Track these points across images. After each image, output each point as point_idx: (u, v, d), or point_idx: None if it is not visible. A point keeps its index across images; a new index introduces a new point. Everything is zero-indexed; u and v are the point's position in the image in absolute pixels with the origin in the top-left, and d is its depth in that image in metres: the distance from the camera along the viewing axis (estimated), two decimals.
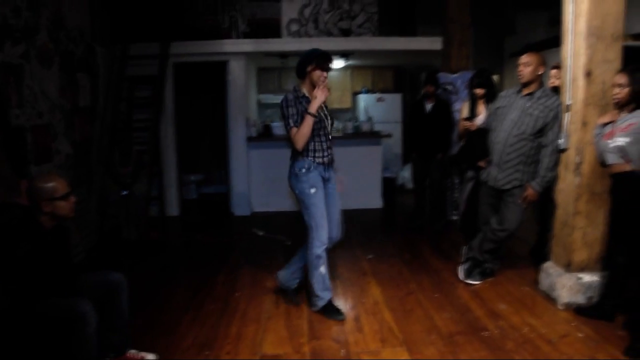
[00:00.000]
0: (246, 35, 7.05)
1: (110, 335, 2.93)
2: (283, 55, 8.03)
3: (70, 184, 2.79)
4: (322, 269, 3.60)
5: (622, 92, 3.21)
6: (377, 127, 8.10)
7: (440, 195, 6.11)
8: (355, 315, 3.71)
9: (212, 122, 9.00)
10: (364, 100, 9.65)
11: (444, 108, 5.80)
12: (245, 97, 7.26)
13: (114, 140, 6.06)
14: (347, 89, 10.17)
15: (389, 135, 7.74)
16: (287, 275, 3.96)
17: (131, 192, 5.97)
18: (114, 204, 5.92)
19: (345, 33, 7.23)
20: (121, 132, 6.25)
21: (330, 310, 3.65)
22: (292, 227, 6.32)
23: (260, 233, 6.05)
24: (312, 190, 3.53)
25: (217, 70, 7.43)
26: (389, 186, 7.70)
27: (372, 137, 7.52)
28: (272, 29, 7.10)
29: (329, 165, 3.67)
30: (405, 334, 3.36)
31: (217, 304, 3.93)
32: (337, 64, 9.06)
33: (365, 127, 7.81)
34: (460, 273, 4.34)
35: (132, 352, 3.03)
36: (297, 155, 3.59)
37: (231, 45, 7.00)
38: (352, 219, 6.70)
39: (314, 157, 3.57)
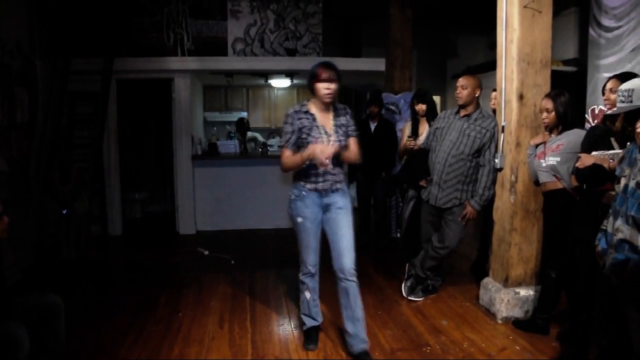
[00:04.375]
0: (192, 53, 7.02)
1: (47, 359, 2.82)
2: (229, 73, 8.03)
3: (2, 203, 2.67)
4: (307, 295, 3.45)
5: (549, 117, 3.39)
6: None
7: (384, 213, 6.21)
8: (299, 333, 3.70)
9: (157, 140, 8.86)
10: None
11: (388, 128, 5.91)
12: (190, 115, 7.20)
13: (53, 157, 5.88)
14: None
15: None
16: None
17: (71, 211, 5.79)
18: (53, 223, 5.72)
19: (291, 53, 7.31)
20: (61, 149, 6.07)
21: (306, 338, 3.52)
22: (237, 246, 6.27)
23: (205, 252, 5.97)
24: (299, 220, 3.28)
25: (162, 87, 7.35)
26: None
27: None
28: (218, 48, 7.10)
29: (328, 191, 3.27)
30: (349, 352, 3.38)
31: (159, 325, 3.84)
32: (283, 83, 9.14)
33: None
34: (404, 290, 4.41)
35: None
36: (293, 178, 3.33)
37: (176, 62, 6.95)
38: (296, 237, 6.71)
39: (305, 182, 3.25)
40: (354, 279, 3.26)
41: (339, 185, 3.31)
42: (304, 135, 3.16)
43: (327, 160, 3.01)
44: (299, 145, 3.18)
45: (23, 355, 2.43)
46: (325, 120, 3.23)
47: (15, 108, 5.18)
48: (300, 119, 3.18)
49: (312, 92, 3.22)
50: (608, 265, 2.42)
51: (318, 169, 3.17)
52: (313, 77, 3.16)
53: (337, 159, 3.23)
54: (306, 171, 3.22)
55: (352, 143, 3.36)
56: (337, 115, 3.29)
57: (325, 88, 3.13)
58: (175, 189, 7.33)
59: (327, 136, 3.19)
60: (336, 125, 3.24)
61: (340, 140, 3.22)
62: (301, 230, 3.31)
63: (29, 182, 5.45)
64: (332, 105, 3.27)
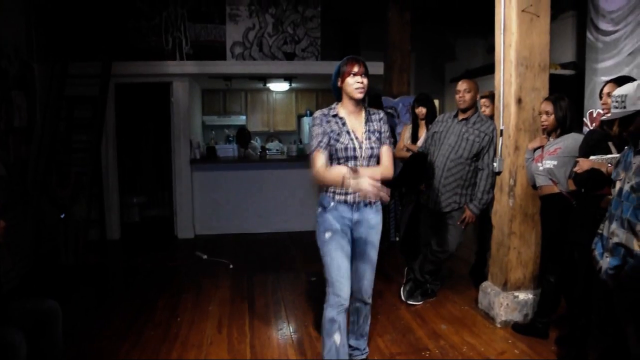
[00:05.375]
0: (190, 57, 7.03)
1: None
2: (227, 77, 8.04)
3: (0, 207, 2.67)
4: (337, 338, 2.77)
5: (548, 119, 3.40)
6: None
7: (383, 217, 6.19)
8: (299, 338, 3.70)
9: (155, 144, 8.87)
10: (308, 122, 9.72)
11: None
12: (189, 119, 7.20)
13: (51, 162, 5.87)
14: (291, 112, 10.24)
15: None
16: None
17: (69, 215, 5.79)
18: (51, 227, 5.71)
19: (289, 57, 7.32)
20: (59, 153, 6.07)
21: None
22: (236, 250, 6.26)
23: (204, 256, 5.96)
24: (327, 235, 2.81)
25: (161, 91, 7.35)
26: None
27: None
28: (216, 52, 7.10)
29: (359, 204, 2.86)
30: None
31: (157, 330, 3.83)
32: (282, 86, 9.14)
33: (309, 150, 7.86)
34: (403, 294, 4.40)
35: None
36: (320, 188, 2.91)
37: (175, 66, 6.96)
38: (296, 241, 6.72)
39: (334, 193, 2.84)
40: (370, 301, 3.05)
41: (373, 199, 2.82)
42: (332, 141, 2.80)
43: (380, 192, 2.55)
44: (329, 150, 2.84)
45: None
46: (356, 124, 2.88)
47: (13, 112, 5.18)
48: (328, 122, 2.83)
49: (338, 94, 2.90)
50: (604, 269, 2.42)
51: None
52: (341, 74, 2.83)
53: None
54: None
55: (385, 153, 2.92)
56: (369, 120, 2.92)
57: (357, 82, 2.79)
58: (173, 193, 7.33)
59: (358, 142, 2.83)
60: (368, 131, 2.88)
61: (372, 148, 2.85)
62: (331, 249, 2.80)
63: (26, 186, 5.45)
64: (364, 109, 2.94)
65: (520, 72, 3.69)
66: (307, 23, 7.36)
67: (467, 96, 3.98)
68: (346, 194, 2.81)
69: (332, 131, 2.81)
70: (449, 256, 4.19)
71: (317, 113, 2.88)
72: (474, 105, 4.05)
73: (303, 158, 7.59)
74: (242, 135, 8.02)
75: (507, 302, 3.83)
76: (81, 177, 6.05)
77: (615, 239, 2.38)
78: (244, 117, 9.96)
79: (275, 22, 7.25)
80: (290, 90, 9.67)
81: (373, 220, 2.92)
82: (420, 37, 7.79)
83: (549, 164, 3.38)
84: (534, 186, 3.62)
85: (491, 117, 4.26)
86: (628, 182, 2.35)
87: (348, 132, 2.83)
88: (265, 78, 8.50)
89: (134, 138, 8.61)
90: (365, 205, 2.87)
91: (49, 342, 2.81)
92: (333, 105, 2.92)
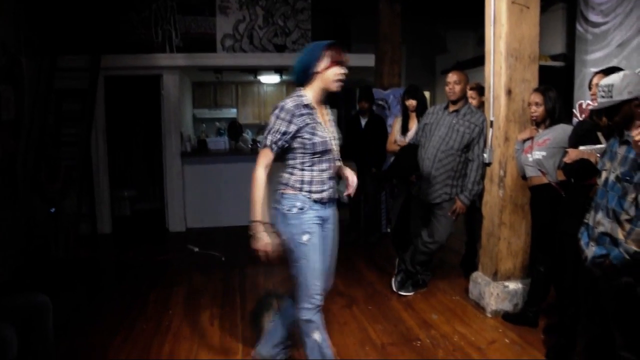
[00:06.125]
0: (180, 50, 6.99)
1: None
2: (218, 70, 8.00)
3: None
4: (317, 336, 2.66)
5: (538, 110, 3.42)
6: None
7: (375, 208, 6.23)
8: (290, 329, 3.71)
9: (146, 137, 8.82)
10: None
11: (379, 123, 5.93)
12: (179, 112, 7.18)
13: (40, 156, 5.83)
14: None
15: None
16: (268, 349, 3.01)
17: (60, 209, 5.76)
18: (41, 222, 5.68)
19: (280, 49, 7.29)
20: (49, 146, 6.03)
21: None
22: (227, 243, 6.26)
23: (195, 249, 5.96)
24: (305, 238, 2.59)
25: (151, 84, 7.31)
26: None
27: None
28: (206, 44, 7.06)
29: (329, 201, 2.72)
30: (339, 347, 3.38)
31: (149, 323, 3.83)
32: (272, 79, 9.11)
33: None
34: (394, 285, 4.42)
35: None
36: (286, 187, 2.64)
37: (165, 59, 6.92)
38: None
39: (310, 192, 2.62)
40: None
41: (334, 195, 2.76)
42: (307, 135, 2.55)
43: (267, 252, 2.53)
44: (291, 146, 2.60)
45: (11, 355, 2.42)
46: (322, 115, 2.68)
47: (0, 106, 5.13)
48: (302, 115, 2.55)
49: (307, 80, 2.60)
50: (589, 258, 2.45)
51: (324, 174, 2.65)
52: (323, 58, 2.55)
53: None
54: (313, 175, 2.62)
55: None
56: (326, 108, 2.73)
57: (339, 74, 2.58)
58: (164, 186, 7.31)
59: (330, 135, 2.66)
60: (330, 121, 2.73)
61: (338, 140, 2.73)
62: (307, 252, 2.61)
63: (15, 181, 5.41)
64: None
65: (510, 63, 3.70)
66: (298, 15, 7.34)
67: (457, 88, 4.00)
68: (322, 192, 2.64)
69: (307, 124, 2.55)
70: (440, 247, 4.22)
71: (290, 104, 2.54)
72: (464, 97, 4.06)
73: None
74: (234, 128, 8.01)
75: (497, 292, 3.86)
76: (71, 170, 6.02)
77: (600, 229, 2.41)
78: (234, 110, 9.93)
79: (266, 14, 7.22)
80: (281, 82, 9.63)
81: (336, 216, 2.81)
82: (411, 29, 7.78)
83: (538, 154, 3.40)
84: (524, 177, 3.64)
85: (478, 108, 4.29)
86: (613, 172, 2.38)
87: (321, 124, 2.62)
88: (256, 70, 8.48)
89: (124, 131, 8.56)
90: (332, 202, 2.75)
91: (40, 337, 2.80)
92: (301, 93, 2.61)
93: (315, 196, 2.62)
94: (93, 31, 6.47)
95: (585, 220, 2.58)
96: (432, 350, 3.33)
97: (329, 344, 2.77)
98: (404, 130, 4.96)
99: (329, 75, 2.56)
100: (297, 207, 2.60)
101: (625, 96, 2.31)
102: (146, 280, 4.92)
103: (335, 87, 2.59)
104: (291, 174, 2.64)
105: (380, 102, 6.45)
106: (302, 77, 2.61)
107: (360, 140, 5.91)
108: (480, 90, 4.44)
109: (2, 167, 5.08)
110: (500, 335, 3.54)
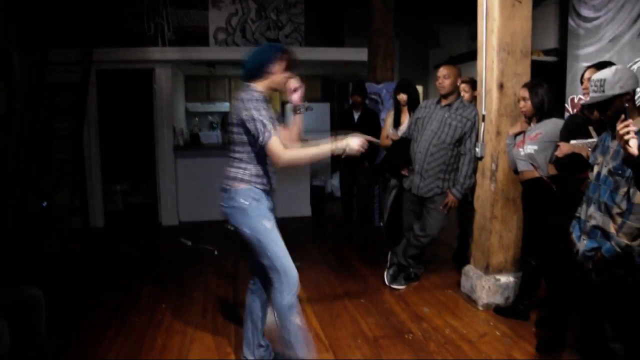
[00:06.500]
0: (172, 43, 6.96)
1: (28, 353, 2.79)
2: (210, 64, 7.97)
3: None
4: (299, 320, 2.74)
5: (526, 105, 3.44)
6: (306, 136, 8.15)
7: (367, 202, 6.24)
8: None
9: (138, 131, 8.78)
10: (288, 108, 9.67)
11: (372, 117, 5.92)
12: (172, 106, 7.15)
13: (32, 150, 5.79)
14: (275, 99, 10.17)
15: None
16: (253, 352, 3.03)
17: (52, 203, 5.73)
18: (33, 216, 5.65)
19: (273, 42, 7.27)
20: (41, 140, 5.99)
21: None
22: (220, 237, 6.25)
23: (188, 243, 5.96)
24: (268, 224, 2.73)
25: (143, 78, 7.28)
26: (318, 194, 7.78)
27: None
28: (199, 38, 7.04)
29: (273, 192, 2.91)
30: (331, 340, 3.41)
31: (142, 317, 3.83)
32: None
33: None
34: (386, 278, 4.44)
35: None
36: (241, 181, 2.74)
37: (157, 52, 6.88)
38: (280, 227, 6.71)
39: (262, 184, 2.77)
40: None
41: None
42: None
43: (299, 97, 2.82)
44: (242, 141, 2.74)
45: (4, 349, 2.41)
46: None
47: None
48: (267, 105, 2.69)
49: (259, 75, 2.70)
50: (581, 252, 2.47)
51: (270, 167, 2.79)
52: (273, 63, 2.69)
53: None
54: (264, 169, 2.77)
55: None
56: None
57: (289, 78, 2.78)
58: (157, 180, 7.28)
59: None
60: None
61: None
62: (273, 237, 2.74)
63: (7, 175, 5.38)
64: None
65: (502, 57, 3.71)
66: (291, 9, 7.32)
67: (446, 82, 4.01)
68: (270, 183, 2.81)
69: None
70: (432, 240, 4.24)
71: (255, 93, 2.65)
72: (454, 91, 4.08)
73: None
74: (226, 122, 7.99)
75: (488, 285, 3.88)
76: (63, 164, 5.99)
77: (592, 222, 2.43)
78: (227, 104, 9.89)
79: (259, 8, 7.20)
80: None
81: (274, 205, 2.93)
82: (404, 24, 7.80)
83: (529, 148, 3.42)
84: (516, 171, 3.66)
85: (470, 102, 4.30)
86: (605, 166, 2.39)
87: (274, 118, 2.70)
88: None
89: (116, 125, 8.51)
90: (274, 193, 2.90)
91: (32, 330, 2.79)
92: (257, 89, 2.70)
93: (266, 187, 2.78)
94: (84, 24, 6.41)
95: (577, 214, 2.60)
96: (424, 343, 3.35)
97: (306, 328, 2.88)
98: (396, 124, 4.97)
99: (280, 77, 2.73)
100: (253, 199, 2.72)
101: (617, 91, 2.32)
102: (139, 274, 4.92)
103: (281, 88, 2.77)
104: (243, 168, 2.75)
105: (373, 97, 6.45)
106: (253, 73, 2.71)
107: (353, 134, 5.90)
108: (472, 84, 4.45)
109: None
110: (492, 328, 3.56)
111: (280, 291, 2.70)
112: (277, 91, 2.78)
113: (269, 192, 2.83)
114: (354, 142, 2.68)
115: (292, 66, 2.75)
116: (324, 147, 2.68)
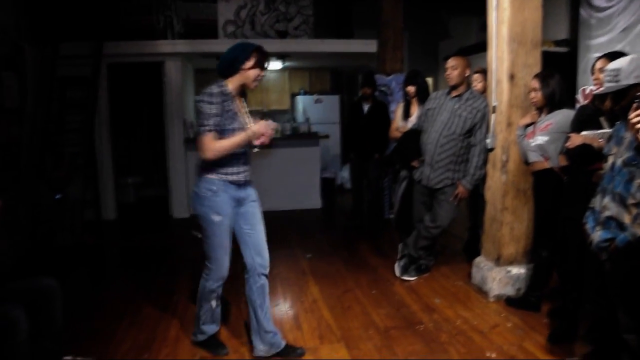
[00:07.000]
0: (182, 36, 6.98)
1: (44, 343, 2.84)
2: (220, 56, 7.97)
3: None
4: (213, 303, 3.10)
5: (537, 96, 3.42)
6: (315, 128, 8.19)
7: (378, 194, 6.25)
8: (294, 313, 3.75)
9: (149, 124, 8.83)
10: (301, 101, 9.70)
11: (381, 109, 5.92)
12: (182, 99, 7.18)
13: (45, 143, 5.85)
14: (284, 91, 10.21)
15: (326, 136, 7.84)
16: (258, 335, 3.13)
17: (64, 196, 5.79)
18: (46, 209, 5.72)
19: (282, 35, 7.27)
20: (53, 134, 6.05)
21: (213, 345, 3.17)
22: None
23: (199, 235, 5.96)
24: (216, 218, 2.91)
25: (154, 71, 7.31)
26: (328, 186, 7.80)
27: (310, 138, 7.60)
28: (208, 30, 7.06)
29: (245, 184, 3.02)
30: (343, 331, 3.43)
31: (155, 308, 3.87)
32: (275, 65, 9.09)
33: (303, 129, 7.89)
34: (397, 270, 4.46)
35: (68, 358, 2.96)
36: (203, 171, 2.91)
37: (167, 45, 6.90)
38: (291, 219, 6.76)
39: (226, 174, 2.90)
40: (267, 273, 3.16)
41: (250, 177, 3.07)
42: (226, 122, 2.82)
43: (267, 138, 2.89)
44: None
45: (22, 338, 2.45)
46: (240, 106, 2.94)
47: (3, 93, 5.14)
48: (223, 101, 2.81)
49: (232, 72, 2.86)
50: (595, 242, 2.46)
51: (239, 159, 2.92)
52: (247, 59, 2.83)
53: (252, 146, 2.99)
54: (226, 160, 2.87)
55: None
56: (243, 102, 3.01)
57: (260, 75, 2.90)
58: (168, 173, 7.33)
59: (247, 124, 2.92)
60: (247, 112, 2.99)
61: None
62: (218, 231, 2.97)
63: (20, 168, 5.44)
64: None
65: (512, 48, 3.69)
66: (300, 1, 7.31)
67: (454, 73, 4.01)
68: (237, 174, 2.93)
69: (229, 111, 2.83)
70: (442, 232, 4.25)
71: (215, 89, 2.81)
72: (463, 82, 4.07)
73: (298, 137, 7.61)
74: None
75: (500, 277, 3.88)
76: (75, 157, 6.05)
77: (607, 213, 2.42)
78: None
79: (267, 0, 7.19)
80: (283, 69, 9.62)
81: (254, 195, 3.11)
82: (414, 15, 7.75)
83: (540, 139, 3.40)
84: (527, 162, 3.65)
85: (483, 92, 4.28)
86: (620, 157, 2.38)
87: (238, 114, 2.89)
88: None
89: (127, 118, 8.56)
90: (248, 184, 3.04)
91: (48, 320, 2.84)
92: (222, 84, 2.87)
93: (231, 178, 2.91)
94: (95, 18, 6.44)
95: (591, 205, 2.58)
96: (435, 334, 3.36)
97: (220, 311, 3.19)
98: (406, 116, 4.97)
99: (251, 74, 2.85)
100: (211, 191, 2.88)
101: (632, 80, 2.30)
102: (151, 265, 4.97)
103: (253, 85, 2.90)
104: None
105: (382, 89, 6.44)
106: (226, 69, 2.88)
107: (363, 126, 5.92)
108: (486, 74, 4.43)
109: (8, 154, 5.10)
110: (503, 319, 3.57)
111: (207, 278, 3.10)
112: (249, 88, 2.94)
113: (237, 183, 2.95)
114: (256, 127, 2.84)
115: (263, 64, 2.88)
116: (240, 136, 2.81)
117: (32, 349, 2.58)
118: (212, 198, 2.89)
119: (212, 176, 2.89)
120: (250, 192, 3.09)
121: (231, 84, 2.88)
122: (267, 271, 3.14)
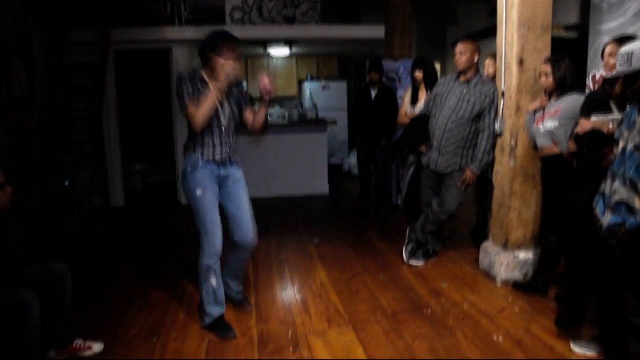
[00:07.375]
0: (189, 23, 6.96)
1: (55, 326, 2.88)
2: None
3: (5, 175, 2.68)
4: (213, 282, 3.12)
5: (548, 81, 3.40)
6: (323, 115, 8.18)
7: (385, 180, 6.26)
8: (303, 297, 3.78)
9: (156, 111, 8.85)
10: (309, 88, 9.67)
11: (389, 95, 5.91)
12: None
13: (53, 130, 5.88)
14: (292, 77, 10.17)
15: (334, 123, 7.83)
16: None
17: (73, 183, 5.84)
18: (55, 195, 5.77)
19: (289, 21, 7.25)
20: (61, 121, 6.08)
21: (221, 328, 3.20)
22: None
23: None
24: (199, 192, 3.04)
25: (161, 58, 7.31)
26: (336, 173, 7.82)
27: (317, 124, 7.59)
28: (215, 17, 7.03)
29: (225, 162, 3.19)
30: (351, 314, 3.45)
31: (164, 292, 3.92)
32: (282, 52, 9.06)
33: (311, 115, 7.88)
34: (405, 255, 4.47)
35: (78, 341, 2.99)
36: (187, 150, 3.14)
37: (174, 32, 6.88)
38: (298, 205, 6.78)
39: (202, 153, 3.08)
40: (254, 246, 3.34)
41: (235, 157, 3.25)
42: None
43: (269, 86, 3.15)
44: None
45: (35, 321, 2.49)
46: (216, 90, 3.03)
47: (12, 81, 5.16)
48: (195, 84, 3.00)
49: (206, 62, 3.04)
50: (605, 227, 2.46)
51: (216, 139, 3.09)
52: (218, 49, 2.98)
53: (236, 127, 3.27)
54: (203, 140, 3.07)
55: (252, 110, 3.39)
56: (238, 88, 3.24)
57: (233, 65, 3.00)
58: (176, 160, 7.35)
59: (221, 108, 3.10)
60: (229, 95, 3.17)
61: (234, 114, 3.21)
62: (204, 204, 3.05)
63: (29, 155, 5.48)
64: None
65: (522, 33, 3.67)
66: None
67: (463, 58, 4.00)
68: (214, 153, 3.10)
69: (200, 93, 2.97)
70: (450, 217, 4.26)
71: (185, 74, 3.02)
72: (472, 67, 4.05)
73: (305, 123, 7.60)
74: None
75: (507, 262, 3.89)
76: (83, 144, 6.09)
77: (617, 197, 2.41)
78: (245, 83, 9.90)
79: None
80: (291, 55, 9.59)
81: (237, 175, 3.25)
82: (422, 1, 7.70)
83: (549, 125, 3.39)
84: (535, 147, 3.64)
85: (494, 77, 4.26)
86: (632, 141, 2.36)
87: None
88: (265, 43, 8.43)
89: (135, 105, 8.59)
90: (230, 163, 3.22)
91: (59, 304, 2.88)
92: (199, 69, 3.07)
93: (208, 156, 3.09)
94: (102, 5, 6.43)
95: (601, 190, 2.58)
96: (443, 318, 3.38)
97: (223, 289, 3.22)
98: (414, 101, 4.96)
99: (223, 65, 2.96)
100: (191, 166, 3.08)
101: None
102: (160, 251, 5.02)
103: (223, 76, 2.96)
104: (189, 138, 3.15)
105: (391, 75, 6.42)
106: (201, 57, 3.07)
107: (371, 112, 5.91)
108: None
109: (17, 141, 5.14)
110: (510, 303, 3.58)
111: (202, 255, 3.11)
112: (223, 78, 2.98)
113: (217, 162, 3.13)
114: (228, 69, 2.96)
115: (234, 51, 3.01)
116: (212, 94, 2.94)
117: (44, 333, 2.62)
118: (194, 174, 3.07)
119: (194, 154, 3.09)
120: (233, 172, 3.23)
121: (204, 72, 3.06)
122: (253, 248, 3.33)
